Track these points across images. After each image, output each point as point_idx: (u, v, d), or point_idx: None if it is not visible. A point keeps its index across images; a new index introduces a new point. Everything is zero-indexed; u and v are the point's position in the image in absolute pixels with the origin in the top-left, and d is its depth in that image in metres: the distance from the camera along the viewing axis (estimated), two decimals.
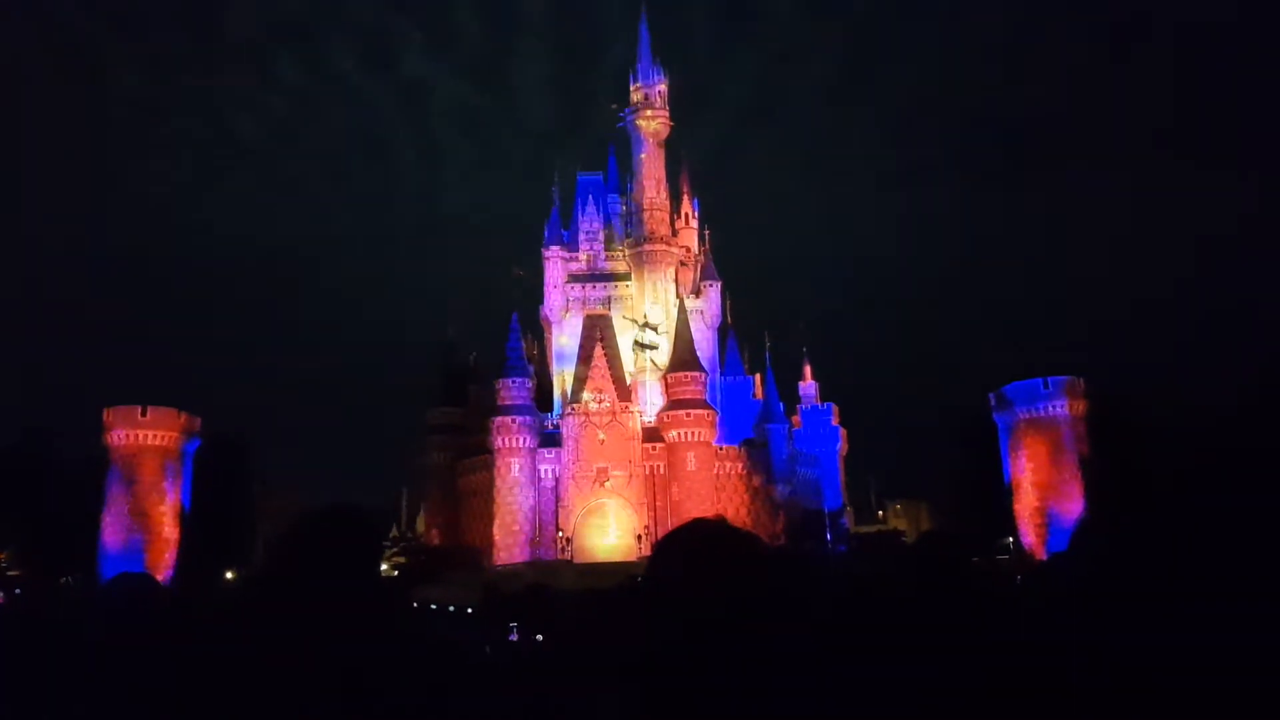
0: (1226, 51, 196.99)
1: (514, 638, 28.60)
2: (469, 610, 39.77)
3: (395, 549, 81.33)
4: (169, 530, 68.14)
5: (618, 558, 70.56)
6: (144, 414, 69.33)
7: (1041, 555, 66.40)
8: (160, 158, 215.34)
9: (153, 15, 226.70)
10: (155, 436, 69.21)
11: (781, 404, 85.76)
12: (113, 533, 66.90)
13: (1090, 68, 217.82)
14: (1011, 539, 72.41)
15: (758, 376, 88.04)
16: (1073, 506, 66.66)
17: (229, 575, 69.75)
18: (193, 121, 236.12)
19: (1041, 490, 69.07)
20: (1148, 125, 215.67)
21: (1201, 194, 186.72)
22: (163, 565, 66.54)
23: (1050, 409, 70.00)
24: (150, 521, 67.49)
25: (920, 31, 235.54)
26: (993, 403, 73.39)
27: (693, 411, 76.26)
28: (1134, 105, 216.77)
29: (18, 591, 52.26)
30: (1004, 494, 71.88)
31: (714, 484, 76.87)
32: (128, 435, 68.73)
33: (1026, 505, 69.82)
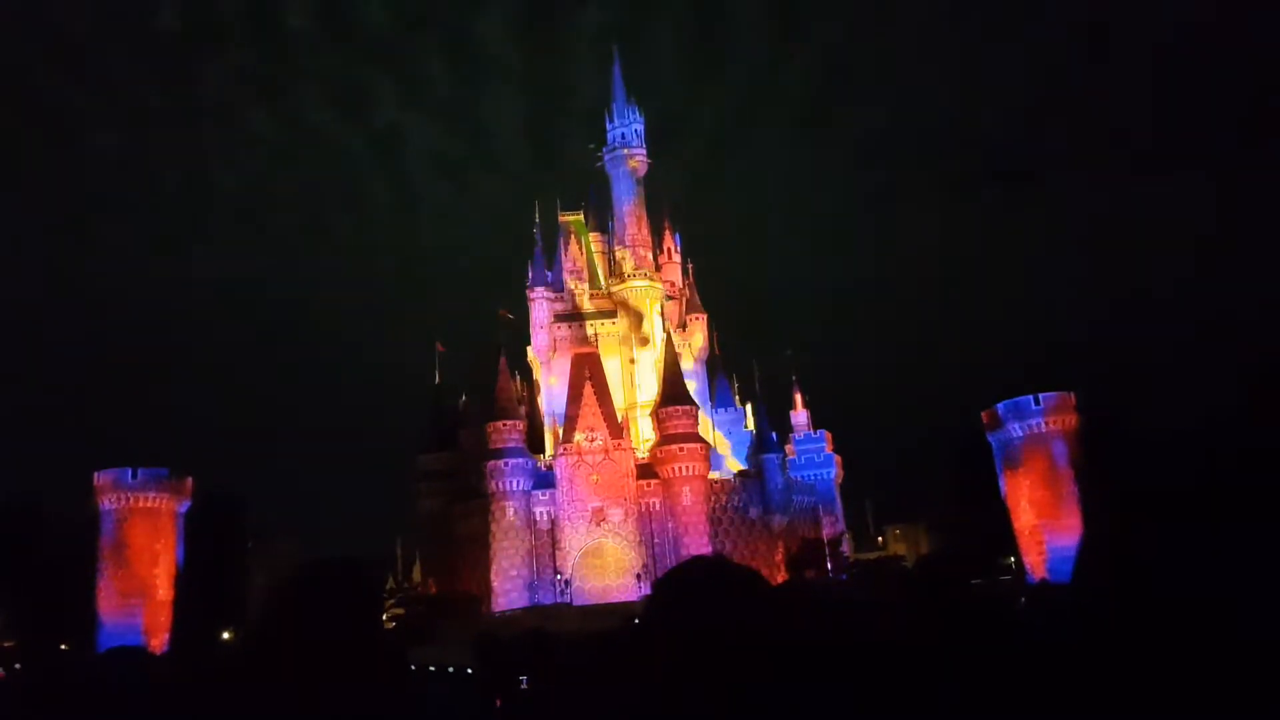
0: (1189, 62, 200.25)
1: (525, 687, 28.20)
2: (468, 670, 39.19)
3: (392, 600, 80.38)
4: (163, 593, 67.34)
5: (618, 598, 70.05)
6: (134, 476, 68.83)
7: (1042, 573, 66.21)
8: (140, 213, 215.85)
9: (126, 72, 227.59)
10: (147, 499, 68.68)
11: (774, 433, 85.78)
12: (107, 598, 66.12)
13: (1058, 83, 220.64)
14: (1012, 558, 72.22)
15: (748, 407, 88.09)
16: (1070, 523, 66.61)
17: (226, 635, 68.92)
18: (170, 177, 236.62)
19: (1038, 507, 69.04)
20: (1117, 138, 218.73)
21: (1175, 202, 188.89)
22: (159, 628, 65.75)
23: (1042, 425, 70.20)
24: (144, 585, 66.73)
25: (890, 52, 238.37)
26: (985, 421, 73.56)
27: (685, 446, 76.14)
28: (1102, 119, 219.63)
29: (17, 666, 51.36)
30: (1001, 512, 71.82)
31: (710, 517, 76.59)
32: (119, 498, 68.20)
33: (1025, 523, 69.75)
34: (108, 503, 68.27)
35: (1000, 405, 72.19)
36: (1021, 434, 70.68)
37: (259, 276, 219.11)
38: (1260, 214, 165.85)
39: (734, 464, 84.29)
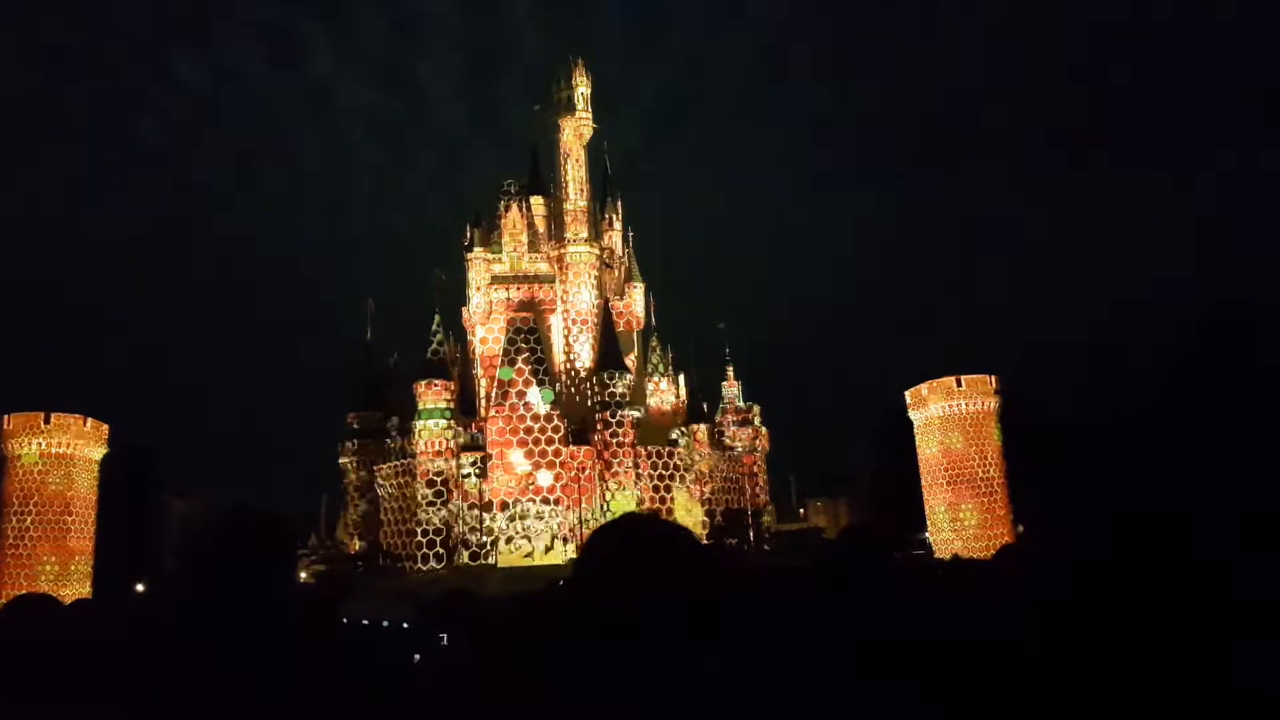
0: (1126, 56, 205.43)
1: (444, 642, 28.31)
2: (398, 621, 39.13)
3: (314, 557, 79.55)
4: (75, 542, 65.56)
5: (543, 561, 70.34)
6: (47, 421, 66.68)
7: (955, 549, 68.34)
8: (61, 158, 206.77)
9: (48, 14, 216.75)
10: (60, 444, 66.59)
11: (705, 404, 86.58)
12: (13, 547, 64.13)
13: (999, 69, 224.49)
14: (928, 534, 74.35)
15: (681, 378, 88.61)
16: (987, 501, 68.73)
17: (140, 587, 67.55)
18: (94, 122, 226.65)
19: (955, 486, 71.04)
20: (1054, 125, 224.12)
21: (1108, 191, 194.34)
22: (69, 579, 64.07)
23: (963, 406, 72.06)
24: (55, 533, 64.86)
25: (832, 33, 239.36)
26: (908, 400, 75.25)
27: (618, 413, 76.43)
28: (1040, 105, 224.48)
29: None
30: (919, 489, 73.75)
31: (639, 485, 77.13)
32: (30, 443, 66.01)
33: (943, 500, 71.74)
34: (17, 447, 66.09)
35: (924, 384, 73.88)
36: (943, 413, 72.48)
37: (184, 227, 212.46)
38: (1191, 207, 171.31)
39: (664, 433, 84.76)
